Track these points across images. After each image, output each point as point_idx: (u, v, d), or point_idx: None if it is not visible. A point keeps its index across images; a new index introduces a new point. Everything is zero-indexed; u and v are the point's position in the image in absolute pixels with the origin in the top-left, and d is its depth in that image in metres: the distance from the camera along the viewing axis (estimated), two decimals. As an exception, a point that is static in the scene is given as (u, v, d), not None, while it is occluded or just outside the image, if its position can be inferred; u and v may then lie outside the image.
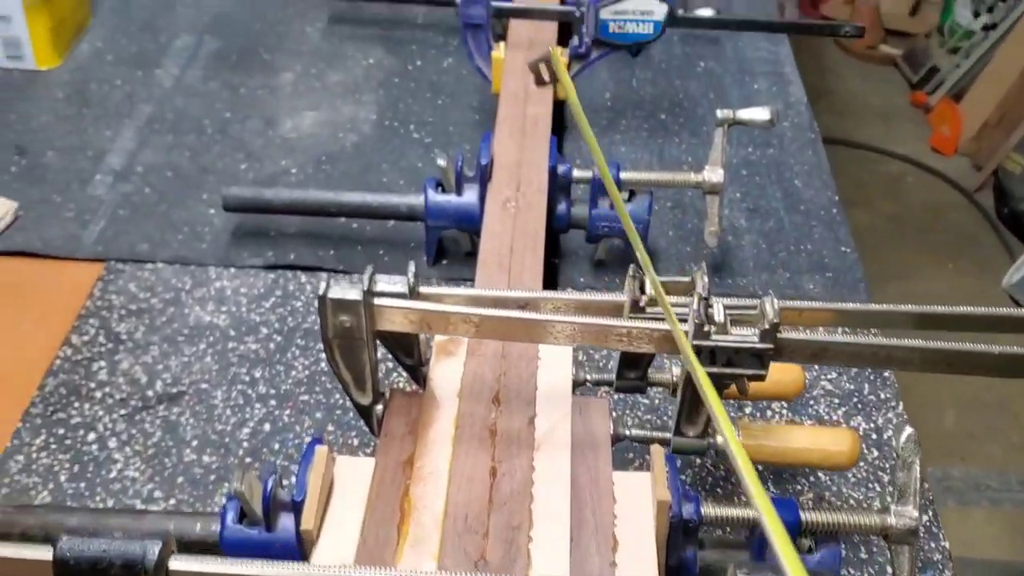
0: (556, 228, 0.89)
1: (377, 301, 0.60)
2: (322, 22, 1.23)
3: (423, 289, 0.63)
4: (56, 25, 1.09)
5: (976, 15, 3.13)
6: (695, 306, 0.59)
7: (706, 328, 0.58)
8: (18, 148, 0.99)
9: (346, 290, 0.60)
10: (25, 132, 1.01)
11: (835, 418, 0.78)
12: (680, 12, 1.13)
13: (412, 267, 0.62)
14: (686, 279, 0.64)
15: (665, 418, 0.77)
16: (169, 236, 0.90)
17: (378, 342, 0.62)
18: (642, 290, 0.63)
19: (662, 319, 0.60)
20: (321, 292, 0.59)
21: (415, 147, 1.04)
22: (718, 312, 0.59)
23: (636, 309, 0.62)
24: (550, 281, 0.89)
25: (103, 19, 1.20)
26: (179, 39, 1.17)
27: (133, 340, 0.80)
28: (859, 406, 0.79)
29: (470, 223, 0.87)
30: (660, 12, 0.97)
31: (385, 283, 0.62)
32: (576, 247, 0.93)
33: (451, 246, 0.92)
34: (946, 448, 1.97)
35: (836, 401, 0.80)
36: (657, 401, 0.78)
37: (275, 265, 0.88)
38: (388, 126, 1.07)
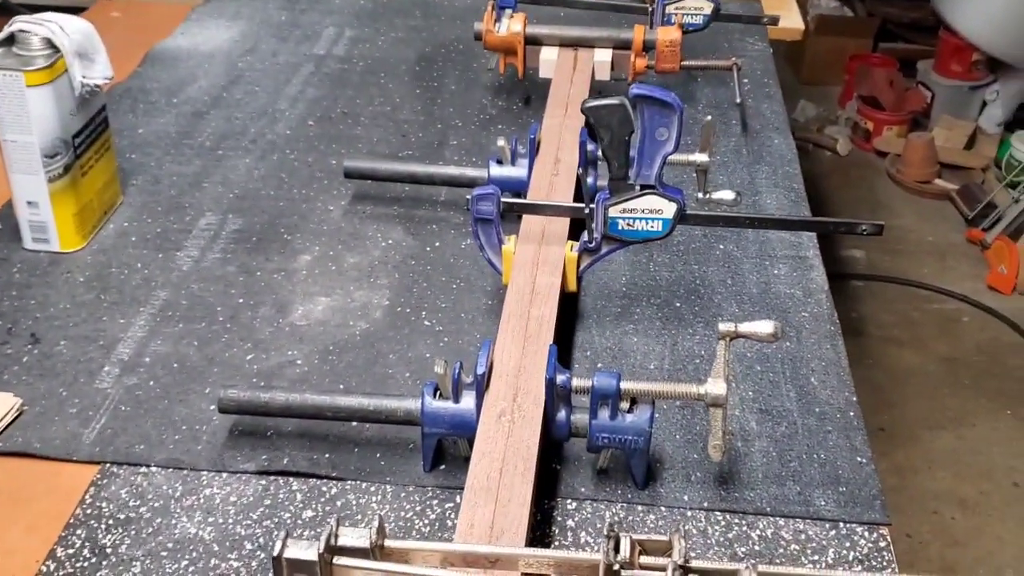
0: (556, 437, 0.87)
1: (337, 560, 0.58)
2: (345, 200, 1.25)
3: (390, 543, 0.61)
4: (81, 209, 1.12)
5: (1035, 149, 3.10)
6: (670, 574, 0.56)
7: (677, 604, 0.55)
8: (33, 336, 1.00)
9: (303, 549, 0.58)
10: (42, 319, 1.03)
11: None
12: (700, 196, 1.12)
13: (377, 521, 0.61)
14: (664, 538, 0.61)
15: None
16: (167, 436, 0.90)
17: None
18: (616, 550, 0.60)
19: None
20: (276, 552, 0.58)
21: (425, 336, 1.04)
22: (691, 586, 0.56)
23: (610, 572, 0.60)
24: (550, 490, 0.87)
25: (132, 199, 1.23)
26: (203, 218, 1.20)
27: (117, 554, 0.79)
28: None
29: (467, 431, 0.86)
30: (669, 210, 0.97)
31: (348, 536, 0.60)
32: (579, 451, 0.90)
33: (451, 448, 0.90)
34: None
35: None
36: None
37: (267, 471, 0.87)
38: (400, 312, 1.07)
